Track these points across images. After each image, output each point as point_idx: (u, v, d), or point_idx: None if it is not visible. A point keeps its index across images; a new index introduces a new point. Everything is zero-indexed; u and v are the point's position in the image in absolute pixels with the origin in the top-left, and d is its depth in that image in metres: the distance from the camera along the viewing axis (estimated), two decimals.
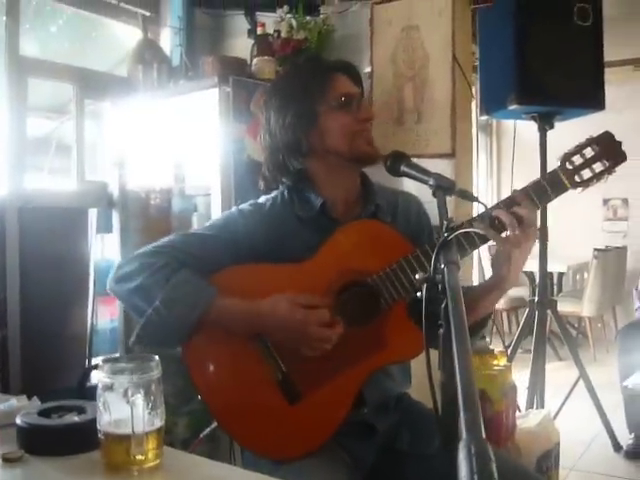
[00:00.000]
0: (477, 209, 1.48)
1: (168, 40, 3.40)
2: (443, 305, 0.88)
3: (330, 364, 1.40)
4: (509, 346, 3.41)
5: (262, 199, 1.61)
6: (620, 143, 1.43)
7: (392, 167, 1.45)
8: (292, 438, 1.40)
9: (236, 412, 1.41)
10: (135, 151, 2.96)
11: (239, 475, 1.02)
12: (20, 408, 1.16)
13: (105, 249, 3.06)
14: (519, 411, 3.01)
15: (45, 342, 2.75)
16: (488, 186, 6.74)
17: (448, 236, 0.99)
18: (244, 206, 1.59)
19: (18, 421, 1.07)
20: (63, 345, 2.84)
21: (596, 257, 5.20)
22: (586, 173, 1.42)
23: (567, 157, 1.41)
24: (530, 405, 3.04)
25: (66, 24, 3.58)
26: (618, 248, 5.76)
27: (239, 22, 3.17)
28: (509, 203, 1.37)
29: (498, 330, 5.91)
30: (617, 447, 3.31)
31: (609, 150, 1.42)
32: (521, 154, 3.45)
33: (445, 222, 1.03)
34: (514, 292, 5.57)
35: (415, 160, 2.70)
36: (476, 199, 1.34)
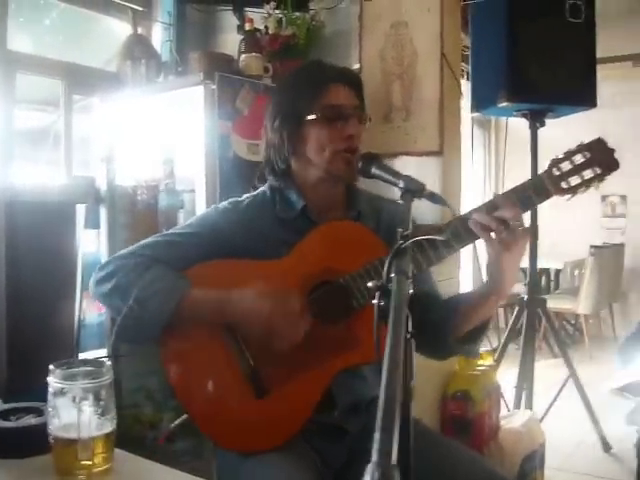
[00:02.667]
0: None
1: (159, 36, 3.38)
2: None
3: (299, 360, 1.41)
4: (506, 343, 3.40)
5: (243, 197, 1.62)
6: (613, 150, 1.38)
7: (363, 169, 1.45)
8: (257, 431, 1.42)
9: (205, 405, 1.44)
10: (123, 147, 2.95)
11: None
12: None
13: (93, 244, 3.05)
14: (508, 410, 3.01)
15: (31, 336, 2.75)
16: (486, 182, 6.71)
17: (401, 244, 0.97)
18: (222, 204, 1.61)
19: None
20: (50, 339, 2.83)
21: (593, 254, 5.18)
22: (574, 180, 1.37)
23: (555, 163, 1.37)
24: (517, 405, 3.03)
25: (60, 18, 3.57)
26: (616, 245, 5.74)
27: (230, 18, 3.16)
28: (490, 207, 1.34)
29: (494, 326, 5.92)
30: (606, 447, 3.31)
31: (601, 157, 1.37)
32: (518, 150, 3.44)
33: (400, 229, 1.01)
34: None
35: (403, 158, 2.76)
36: (445, 203, 1.32)
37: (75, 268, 2.93)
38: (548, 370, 3.93)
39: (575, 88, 2.88)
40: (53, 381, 0.96)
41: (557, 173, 1.37)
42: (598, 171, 1.37)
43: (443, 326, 1.45)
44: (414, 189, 1.27)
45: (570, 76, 2.87)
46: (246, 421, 1.42)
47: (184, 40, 3.26)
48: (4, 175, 2.77)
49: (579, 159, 1.37)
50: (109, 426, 0.98)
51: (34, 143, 3.35)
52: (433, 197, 1.31)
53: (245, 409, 1.42)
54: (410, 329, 0.96)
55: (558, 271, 6.10)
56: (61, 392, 0.96)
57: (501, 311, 6.01)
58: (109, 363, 1.01)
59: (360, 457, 1.50)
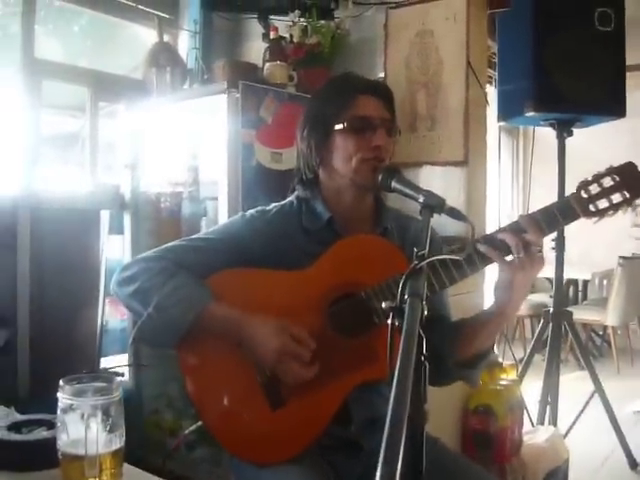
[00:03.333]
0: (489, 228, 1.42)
1: (186, 44, 3.40)
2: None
3: (316, 373, 1.39)
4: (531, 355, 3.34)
5: (270, 206, 1.62)
6: None
7: (384, 183, 1.43)
8: (272, 443, 1.42)
9: (220, 414, 1.44)
10: (148, 153, 2.97)
11: None
12: None
13: (117, 250, 3.07)
14: (532, 425, 2.96)
15: (55, 342, 2.78)
16: (514, 192, 6.63)
17: (417, 264, 0.95)
18: (250, 212, 1.61)
19: None
20: (73, 345, 2.86)
21: (621, 265, 5.09)
22: (602, 203, 1.34)
23: (584, 185, 1.34)
24: (541, 420, 2.97)
25: (89, 25, 3.61)
26: None
27: (256, 26, 3.15)
28: (515, 228, 1.32)
29: (520, 336, 5.85)
30: (633, 464, 3.23)
31: (631, 181, 1.33)
32: (546, 159, 3.37)
33: (415, 249, 0.99)
34: (537, 297, 5.48)
35: (428, 167, 2.74)
36: (466, 219, 1.29)
37: (99, 274, 2.96)
38: (575, 383, 3.86)
39: (603, 98, 2.82)
40: (62, 397, 0.96)
41: (585, 196, 1.33)
42: (627, 195, 1.33)
43: (445, 348, 1.42)
44: (434, 204, 1.25)
45: (598, 85, 2.81)
46: (261, 432, 1.41)
47: (210, 48, 3.27)
48: (30, 180, 2.80)
49: (608, 182, 1.33)
50: (118, 443, 0.97)
51: (65, 147, 3.39)
52: (453, 212, 1.28)
53: (260, 420, 1.41)
54: (424, 352, 0.94)
55: (586, 282, 6.00)
56: (70, 408, 0.95)
57: (527, 321, 5.94)
58: (120, 379, 1.00)
59: (374, 474, 1.50)
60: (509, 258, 1.32)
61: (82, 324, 2.89)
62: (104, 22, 3.53)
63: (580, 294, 6.08)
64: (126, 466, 1.03)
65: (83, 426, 0.94)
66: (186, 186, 2.84)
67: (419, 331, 0.92)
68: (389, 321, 0.92)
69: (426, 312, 0.92)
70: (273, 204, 1.63)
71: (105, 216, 2.97)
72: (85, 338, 2.92)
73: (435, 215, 1.24)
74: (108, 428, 0.95)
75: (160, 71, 2.85)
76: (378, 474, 0.58)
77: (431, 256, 1.04)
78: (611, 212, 1.34)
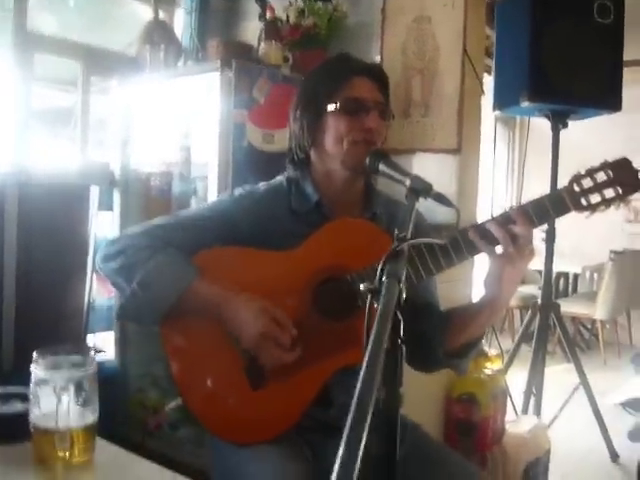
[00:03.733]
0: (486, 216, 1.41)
1: (182, 22, 3.36)
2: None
3: (300, 355, 1.38)
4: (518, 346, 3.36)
5: (259, 185, 1.61)
6: (638, 171, 1.33)
7: (371, 165, 1.42)
8: (251, 423, 1.42)
9: (200, 391, 1.44)
10: (139, 131, 2.94)
11: (169, 478, 1.00)
12: None
13: (106, 227, 3.05)
14: (516, 414, 2.97)
15: (41, 317, 2.76)
16: (508, 183, 6.62)
17: (397, 246, 0.94)
18: (238, 190, 1.60)
19: None
20: (59, 320, 2.84)
21: (612, 259, 5.10)
22: (595, 198, 1.33)
23: (576, 179, 1.33)
24: (525, 410, 2.98)
25: (84, 0, 3.57)
26: (636, 251, 5.63)
27: (253, 6, 3.11)
28: (505, 219, 1.31)
29: (509, 327, 5.86)
30: (614, 456, 3.25)
31: (625, 177, 1.32)
32: (542, 150, 3.36)
33: (396, 231, 0.98)
34: (527, 289, 5.50)
35: (421, 154, 2.72)
36: (452, 204, 1.28)
37: (87, 250, 2.93)
38: (562, 375, 3.87)
39: (599, 90, 2.81)
40: (35, 370, 0.95)
41: (577, 189, 1.32)
42: (620, 191, 1.32)
43: (435, 337, 1.43)
44: (420, 188, 1.23)
45: (595, 78, 2.79)
46: (241, 412, 1.41)
47: (206, 27, 3.22)
48: (19, 155, 2.77)
49: (601, 177, 1.32)
50: (90, 418, 0.97)
51: (59, 122, 3.36)
52: (439, 198, 1.27)
53: (240, 400, 1.41)
54: (402, 335, 0.94)
55: (577, 275, 6.01)
56: (43, 381, 0.95)
57: (517, 312, 5.95)
58: (95, 353, 0.99)
59: None
60: (498, 249, 1.31)
61: (69, 300, 2.87)
62: None
63: (570, 287, 6.09)
64: (100, 441, 1.02)
65: (55, 399, 0.93)
66: (177, 165, 2.81)
67: (396, 313, 0.91)
68: (367, 303, 0.92)
69: (404, 295, 0.91)
70: (262, 183, 1.62)
71: (95, 192, 2.94)
72: (72, 314, 2.89)
73: (425, 202, 1.23)
74: (81, 402, 0.94)
75: (154, 48, 2.82)
76: (340, 455, 0.58)
77: (413, 239, 1.03)
78: (603, 207, 1.33)
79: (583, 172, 1.33)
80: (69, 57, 3.03)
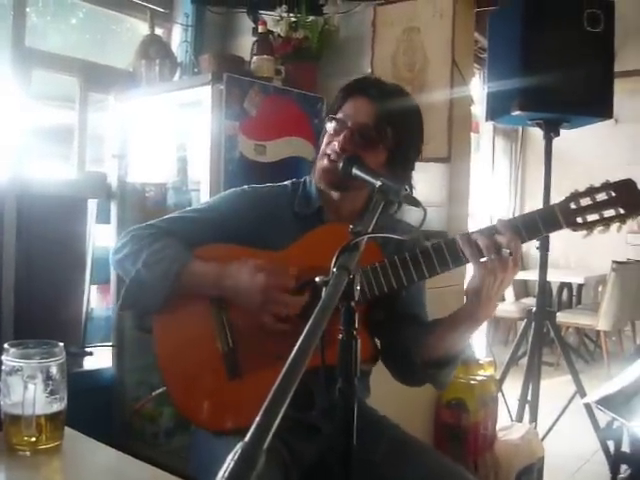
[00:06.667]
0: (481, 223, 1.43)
1: (179, 37, 3.43)
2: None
3: (276, 351, 1.40)
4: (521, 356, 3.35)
5: (263, 185, 1.68)
6: None
7: (344, 170, 1.45)
8: (225, 412, 1.45)
9: (180, 378, 1.48)
10: (136, 144, 3.00)
11: (135, 467, 1.03)
12: None
13: (106, 239, 3.09)
14: (512, 421, 2.96)
15: (39, 329, 2.80)
16: (511, 193, 6.62)
17: (351, 240, 0.97)
18: (242, 187, 1.67)
19: None
20: (57, 332, 2.86)
21: (615, 270, 5.08)
22: (592, 216, 1.32)
23: (574, 197, 1.32)
24: (520, 418, 2.98)
25: (86, 17, 3.64)
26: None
27: (247, 20, 3.18)
28: (492, 230, 1.32)
29: (514, 339, 5.84)
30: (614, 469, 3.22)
31: (627, 198, 1.30)
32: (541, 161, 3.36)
33: (351, 226, 1.01)
34: (531, 301, 5.49)
35: None
36: (419, 204, 1.30)
37: (85, 261, 2.98)
38: (566, 386, 3.83)
39: (590, 99, 2.82)
40: (6, 359, 0.99)
41: (573, 207, 1.31)
42: (621, 212, 1.31)
43: (414, 346, 1.44)
44: (388, 190, 1.26)
45: (586, 86, 2.81)
46: (214, 398, 1.45)
47: (201, 41, 3.30)
48: (18, 169, 2.82)
49: (602, 197, 1.31)
50: (57, 406, 1.00)
51: (54, 139, 3.41)
52: (408, 199, 1.30)
53: (215, 387, 1.46)
54: (356, 326, 0.96)
55: (580, 286, 5.99)
56: (14, 370, 0.99)
57: (520, 324, 5.92)
58: (63, 344, 1.03)
59: (330, 458, 1.51)
60: (483, 259, 1.32)
61: (67, 311, 2.91)
62: (102, 15, 3.56)
63: (574, 298, 6.08)
64: (70, 431, 1.05)
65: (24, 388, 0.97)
66: (172, 177, 2.86)
67: (350, 304, 0.94)
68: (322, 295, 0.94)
69: (358, 287, 0.94)
70: (270, 184, 1.69)
71: (93, 205, 2.99)
72: (70, 325, 2.94)
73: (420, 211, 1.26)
74: (49, 390, 0.98)
75: (149, 63, 2.88)
76: (256, 422, 0.60)
77: (374, 236, 1.05)
78: (601, 227, 1.32)
79: (582, 190, 1.32)
80: (66, 73, 3.08)
